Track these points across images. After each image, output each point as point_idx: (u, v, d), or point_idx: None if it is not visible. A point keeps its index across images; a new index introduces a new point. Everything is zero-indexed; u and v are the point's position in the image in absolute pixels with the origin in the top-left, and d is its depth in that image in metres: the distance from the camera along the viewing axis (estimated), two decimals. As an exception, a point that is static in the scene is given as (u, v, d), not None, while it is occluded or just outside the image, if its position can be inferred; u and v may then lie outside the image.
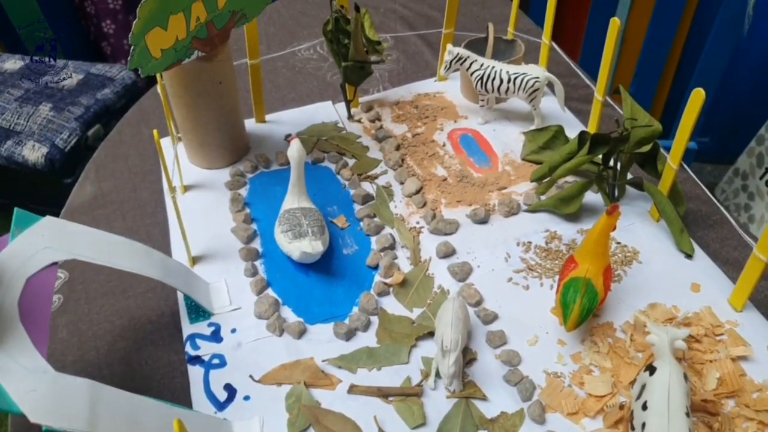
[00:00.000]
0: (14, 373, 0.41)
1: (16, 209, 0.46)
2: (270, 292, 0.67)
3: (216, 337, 0.63)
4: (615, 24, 0.67)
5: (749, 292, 0.59)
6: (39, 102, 1.54)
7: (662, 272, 0.65)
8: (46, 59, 1.70)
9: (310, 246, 0.65)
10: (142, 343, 0.64)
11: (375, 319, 0.64)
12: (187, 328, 0.64)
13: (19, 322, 0.42)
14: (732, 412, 0.53)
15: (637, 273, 0.65)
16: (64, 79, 1.53)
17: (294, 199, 0.69)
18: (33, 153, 1.45)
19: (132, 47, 0.57)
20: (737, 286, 0.60)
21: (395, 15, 1.11)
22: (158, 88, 0.68)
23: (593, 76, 1.75)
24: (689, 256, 0.66)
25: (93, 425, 0.42)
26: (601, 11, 1.58)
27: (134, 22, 0.55)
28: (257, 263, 0.69)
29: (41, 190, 1.45)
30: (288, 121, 0.88)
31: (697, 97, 0.58)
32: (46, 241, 0.47)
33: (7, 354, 0.41)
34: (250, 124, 0.87)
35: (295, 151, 0.67)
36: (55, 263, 0.48)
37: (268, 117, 0.88)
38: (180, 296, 0.66)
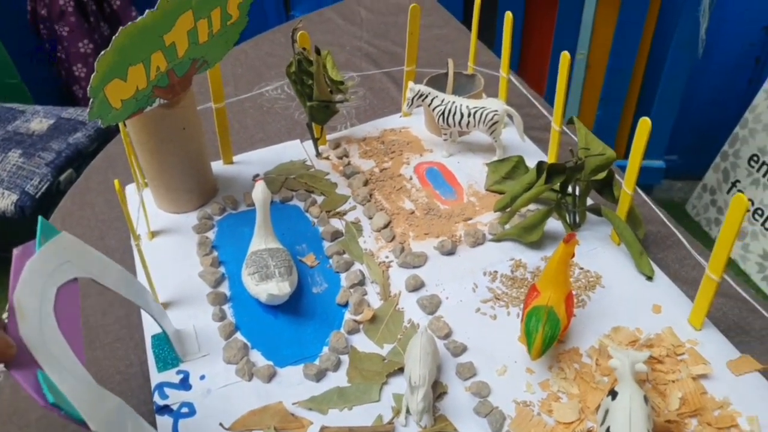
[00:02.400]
0: (69, 383, 0.41)
1: (40, 218, 0.47)
2: (239, 336, 0.66)
3: (185, 384, 0.62)
4: (565, 57, 0.69)
5: (706, 310, 0.60)
6: (8, 149, 1.54)
7: (625, 295, 0.66)
8: (16, 106, 1.70)
9: (277, 288, 0.65)
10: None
11: (346, 358, 0.64)
12: (156, 377, 0.63)
13: (59, 332, 0.42)
14: (695, 431, 0.54)
15: (601, 297, 0.67)
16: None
17: (261, 241, 0.70)
18: (2, 201, 1.44)
19: (91, 99, 0.58)
20: (694, 306, 0.62)
21: (360, 53, 1.13)
22: (121, 135, 0.69)
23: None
24: (650, 278, 0.68)
25: None
26: (564, 43, 1.63)
27: (92, 75, 0.56)
28: (225, 307, 0.69)
29: (12, 237, 1.44)
30: (256, 161, 0.89)
31: (644, 126, 0.60)
32: (67, 255, 0.47)
33: (60, 365, 0.41)
34: (217, 166, 0.87)
35: (259, 192, 0.68)
36: (75, 279, 0.48)
37: (236, 158, 0.89)
38: (149, 345, 0.66)
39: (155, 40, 0.61)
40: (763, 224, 1.64)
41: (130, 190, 0.83)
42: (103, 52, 0.56)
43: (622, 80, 1.67)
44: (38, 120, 1.65)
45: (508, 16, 0.78)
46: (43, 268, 0.43)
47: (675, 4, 1.53)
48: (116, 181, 0.59)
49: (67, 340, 0.43)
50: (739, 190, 1.73)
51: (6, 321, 0.41)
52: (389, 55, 1.11)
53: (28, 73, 1.88)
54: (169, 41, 0.62)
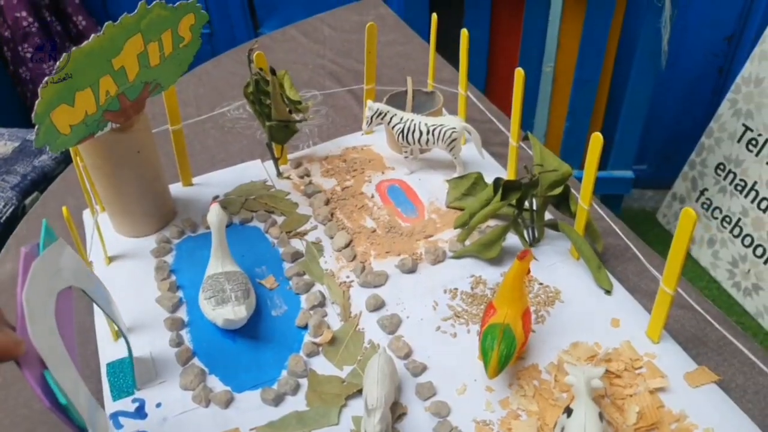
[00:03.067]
0: (71, 388, 0.40)
1: (44, 222, 0.46)
2: (196, 361, 0.65)
3: (140, 413, 0.61)
4: (519, 74, 0.70)
5: (662, 324, 0.61)
6: (-28, 172, 1.50)
7: (584, 310, 0.67)
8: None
9: (233, 312, 0.64)
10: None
11: (305, 381, 0.63)
12: (110, 406, 0.61)
13: (59, 336, 0.42)
14: (653, 446, 0.54)
15: (560, 312, 0.67)
16: None
17: (218, 264, 0.69)
18: (-34, 226, 1.40)
19: (36, 126, 0.56)
20: (651, 319, 0.62)
21: (324, 71, 1.14)
22: (73, 160, 0.67)
23: (529, 117, 1.81)
24: (608, 291, 0.68)
25: None
26: (530, 57, 1.66)
27: (36, 102, 0.55)
28: (183, 332, 0.68)
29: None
30: (216, 182, 0.88)
31: (596, 141, 0.61)
32: (63, 262, 0.47)
33: (64, 369, 0.40)
34: (177, 188, 0.86)
35: (214, 215, 0.67)
36: (70, 287, 0.48)
37: (195, 179, 0.88)
38: (104, 373, 0.64)
39: (103, 64, 0.60)
40: (731, 231, 1.67)
41: (87, 215, 0.81)
42: (46, 79, 0.55)
43: (589, 92, 1.69)
44: (3, 143, 1.62)
45: (464, 33, 0.79)
46: (46, 271, 0.43)
47: (637, 16, 1.57)
48: (64, 208, 0.58)
49: (64, 343, 0.43)
50: (708, 198, 1.76)
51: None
52: (353, 73, 1.12)
53: None
54: (118, 65, 0.62)
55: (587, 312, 0.66)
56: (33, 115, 0.56)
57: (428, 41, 0.89)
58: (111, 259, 0.76)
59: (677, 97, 1.87)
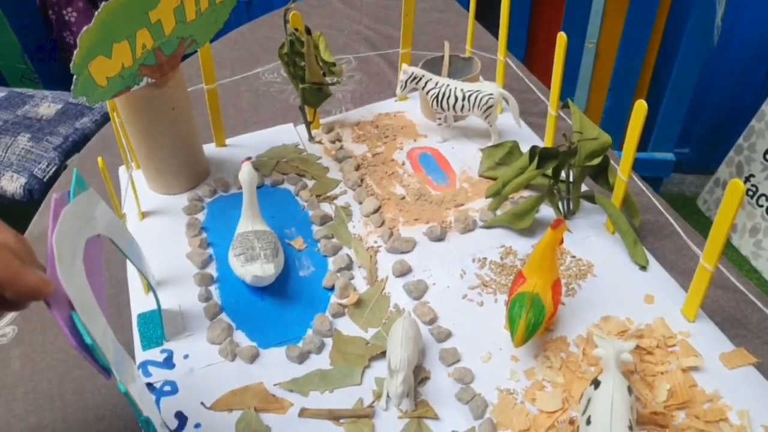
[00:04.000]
0: (97, 330, 0.41)
1: (75, 171, 0.48)
2: (223, 316, 0.66)
3: (168, 363, 0.62)
4: (562, 38, 0.67)
5: (699, 302, 0.58)
6: (17, 133, 1.55)
7: (616, 285, 0.65)
8: (26, 91, 1.71)
9: (261, 269, 0.64)
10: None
11: (329, 341, 0.63)
12: (140, 355, 0.63)
13: (86, 281, 0.43)
14: (682, 424, 0.52)
15: (592, 286, 0.65)
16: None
17: (248, 223, 0.69)
18: (11, 184, 1.45)
19: (75, 76, 0.57)
20: (688, 297, 0.60)
21: (359, 37, 1.12)
22: (110, 115, 0.68)
23: (568, 94, 1.76)
24: (643, 267, 0.66)
25: (141, 403, 0.43)
26: (573, 32, 1.60)
27: (75, 52, 0.55)
28: (212, 288, 0.69)
29: (21, 220, 1.45)
30: (249, 144, 0.88)
31: (640, 109, 0.58)
32: (94, 210, 0.48)
33: (90, 311, 0.42)
34: (210, 148, 0.87)
35: (245, 174, 0.67)
36: (98, 235, 0.49)
37: (228, 141, 0.88)
38: (135, 323, 0.66)
39: (139, 16, 0.60)
40: (776, 220, 1.60)
41: (123, 171, 0.83)
42: (85, 28, 0.55)
43: (632, 69, 1.63)
44: (47, 105, 1.67)
45: (505, -4, 0.76)
46: (75, 218, 0.44)
47: (689, -10, 1.49)
48: (100, 159, 0.59)
49: (92, 290, 0.44)
50: (754, 185, 1.69)
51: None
52: (388, 39, 1.10)
53: (37, 59, 1.89)
54: (154, 18, 0.61)
55: (620, 287, 0.64)
56: (71, 64, 0.56)
57: (467, 9, 0.87)
58: (144, 215, 0.77)
59: (727, 78, 1.79)
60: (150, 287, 0.59)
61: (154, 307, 0.64)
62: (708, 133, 1.92)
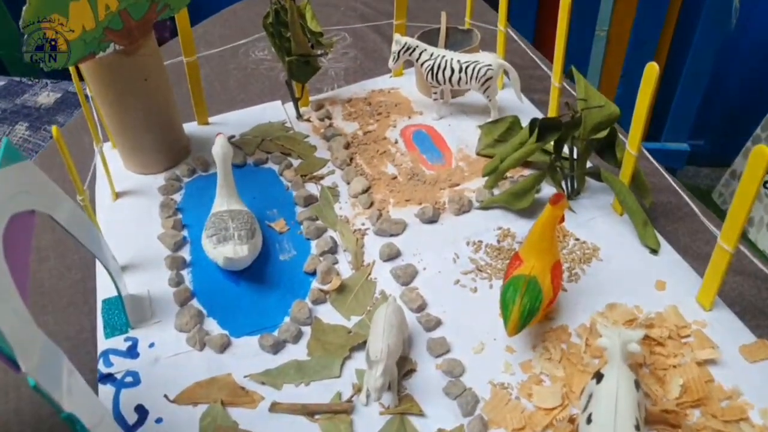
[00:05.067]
0: (5, 314, 0.36)
1: (6, 140, 0.42)
2: (194, 302, 0.61)
3: (132, 352, 0.57)
4: (565, 2, 0.61)
5: (717, 287, 0.52)
6: (15, 121, 1.52)
7: (624, 269, 0.59)
8: (26, 79, 1.68)
9: (234, 251, 0.59)
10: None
11: (308, 330, 0.58)
12: (103, 344, 0.58)
13: (3, 259, 0.38)
14: (697, 423, 0.46)
15: (597, 271, 0.59)
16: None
17: (223, 202, 0.64)
18: (4, 172, 1.42)
19: (25, 35, 0.52)
20: (704, 282, 0.54)
21: (355, 13, 1.06)
22: (74, 84, 0.63)
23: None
24: (654, 251, 0.60)
25: (69, 397, 0.38)
26: (583, 17, 1.53)
27: (24, 8, 0.50)
28: (184, 272, 0.64)
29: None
30: (233, 122, 0.83)
31: (651, 72, 0.52)
32: (27, 185, 0.43)
33: (5, 299, 0.37)
34: (192, 126, 0.82)
35: (218, 147, 0.62)
36: (32, 211, 0.44)
37: (212, 119, 0.83)
38: (99, 308, 0.61)
39: (100, -28, 0.55)
40: (797, 213, 1.53)
41: (106, 148, 0.78)
42: (36, -19, 0.50)
43: (645, 54, 1.56)
44: (46, 93, 1.64)
45: (505, -41, 0.70)
46: None
47: (705, -29, 1.42)
48: (54, 128, 0.54)
49: (11, 270, 0.39)
50: (771, 177, 1.62)
51: None
52: (386, 15, 1.04)
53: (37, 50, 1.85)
54: (117, -25, 0.56)
55: (628, 272, 0.58)
56: (21, 22, 0.51)
57: None
58: (118, 195, 0.73)
59: (744, 64, 1.71)
60: (107, 270, 0.54)
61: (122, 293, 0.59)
62: (724, 124, 1.84)
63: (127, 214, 0.70)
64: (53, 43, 0.55)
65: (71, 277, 0.67)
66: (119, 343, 0.58)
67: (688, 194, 0.61)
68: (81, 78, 0.66)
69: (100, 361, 0.56)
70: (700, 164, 1.98)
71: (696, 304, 0.55)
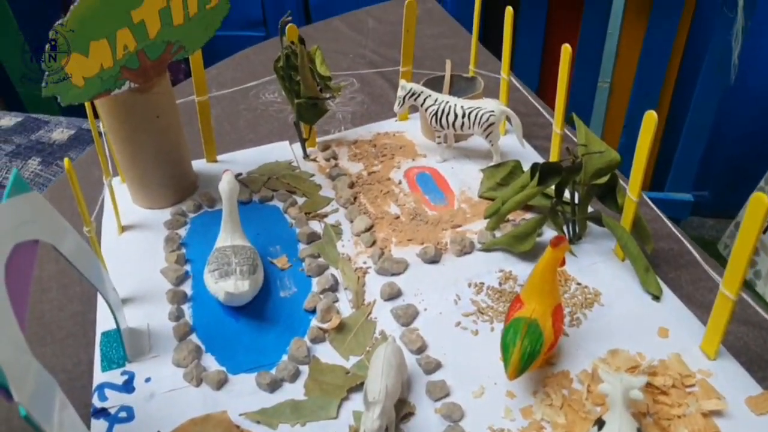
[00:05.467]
0: (3, 342, 0.36)
1: (15, 171, 0.43)
2: (193, 337, 0.61)
3: (128, 387, 0.57)
4: (567, 50, 0.63)
5: (721, 335, 0.52)
6: (29, 156, 1.55)
7: (626, 315, 0.58)
8: (42, 116, 1.72)
9: (235, 286, 0.59)
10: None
11: (305, 369, 0.57)
12: (99, 377, 0.57)
13: (4, 287, 0.38)
14: (702, 476, 0.45)
15: (599, 316, 0.59)
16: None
17: (227, 237, 0.64)
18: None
19: (46, 73, 0.54)
20: (707, 330, 0.53)
21: (364, 60, 1.09)
22: (88, 120, 0.65)
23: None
24: (656, 297, 0.59)
25: (60, 430, 0.38)
26: (586, 68, 1.56)
27: (47, 46, 0.53)
28: (184, 307, 0.64)
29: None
30: (241, 160, 0.84)
31: (650, 119, 0.54)
32: (33, 214, 0.44)
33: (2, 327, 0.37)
34: (200, 164, 0.83)
35: (226, 183, 0.63)
36: (36, 241, 0.44)
37: (221, 157, 0.85)
38: (98, 341, 0.61)
39: (120, 14, 0.57)
40: (802, 265, 1.52)
41: (115, 183, 0.79)
42: (60, 21, 0.52)
43: (647, 106, 1.57)
44: (60, 130, 1.67)
45: (508, 11, 0.73)
46: (4, 220, 0.40)
47: (705, 26, 1.46)
48: (66, 160, 0.55)
49: (11, 298, 0.39)
50: (777, 230, 1.61)
51: None
52: (392, 62, 1.07)
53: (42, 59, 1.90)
54: (137, 18, 0.59)
55: (630, 318, 0.58)
56: (42, 59, 0.53)
57: (479, 39, 0.84)
58: (124, 229, 0.73)
59: (746, 117, 1.73)
60: (107, 303, 0.54)
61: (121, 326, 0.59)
62: (727, 175, 1.86)
63: (131, 247, 0.71)
64: (71, 80, 0.57)
65: (72, 309, 0.67)
66: (115, 377, 0.57)
67: (690, 241, 0.61)
68: (95, 114, 0.68)
69: (95, 394, 0.56)
70: (705, 215, 1.98)
71: (700, 353, 0.54)
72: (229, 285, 0.59)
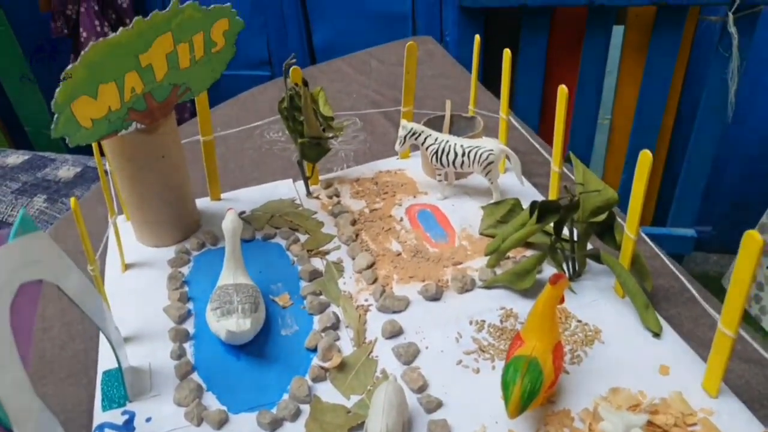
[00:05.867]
0: (5, 382, 0.37)
1: (23, 211, 0.44)
2: (194, 376, 0.61)
3: (128, 426, 0.56)
4: (563, 91, 0.65)
5: (722, 373, 0.52)
6: (34, 194, 1.57)
7: (627, 353, 0.58)
8: (49, 154, 1.75)
9: (236, 325, 0.60)
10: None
11: (306, 408, 0.57)
12: (99, 416, 0.57)
13: (9, 327, 0.39)
14: None
15: (599, 354, 0.58)
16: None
17: (229, 275, 0.65)
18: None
19: (56, 115, 0.56)
20: (708, 368, 0.53)
21: (367, 99, 1.12)
22: (95, 159, 0.66)
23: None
24: (656, 334, 0.59)
25: None
26: (586, 106, 1.59)
27: (57, 89, 0.54)
28: (186, 345, 0.64)
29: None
30: (245, 198, 0.85)
31: (645, 159, 0.55)
32: (39, 254, 0.45)
33: (6, 365, 0.38)
34: (204, 202, 0.84)
35: (229, 222, 0.64)
36: (40, 281, 0.45)
37: (225, 195, 0.86)
38: (99, 380, 0.61)
39: (129, 59, 0.59)
40: (808, 301, 1.51)
41: (120, 221, 0.80)
42: (70, 66, 0.55)
43: (648, 142, 1.60)
44: (66, 168, 1.70)
45: (506, 53, 0.75)
46: (11, 260, 0.41)
47: (702, 64, 1.49)
48: (73, 199, 0.56)
49: (15, 337, 0.40)
50: (781, 265, 1.61)
51: None
52: (395, 102, 1.09)
53: (37, 59, 1.93)
54: (145, 62, 0.61)
55: (631, 355, 0.58)
56: (53, 102, 0.55)
57: (479, 79, 0.86)
58: (128, 267, 0.74)
59: (746, 154, 1.75)
60: (109, 342, 0.55)
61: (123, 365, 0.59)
62: (730, 211, 1.86)
63: (135, 285, 0.72)
64: (80, 121, 0.59)
65: (74, 347, 0.67)
66: (116, 416, 0.57)
67: (689, 278, 0.62)
68: (102, 153, 0.70)
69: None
70: (709, 250, 1.98)
71: (702, 391, 0.54)
72: (230, 323, 0.60)
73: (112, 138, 0.65)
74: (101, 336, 0.66)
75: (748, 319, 1.73)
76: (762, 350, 0.55)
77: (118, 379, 0.60)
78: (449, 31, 1.60)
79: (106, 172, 0.72)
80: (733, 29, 1.34)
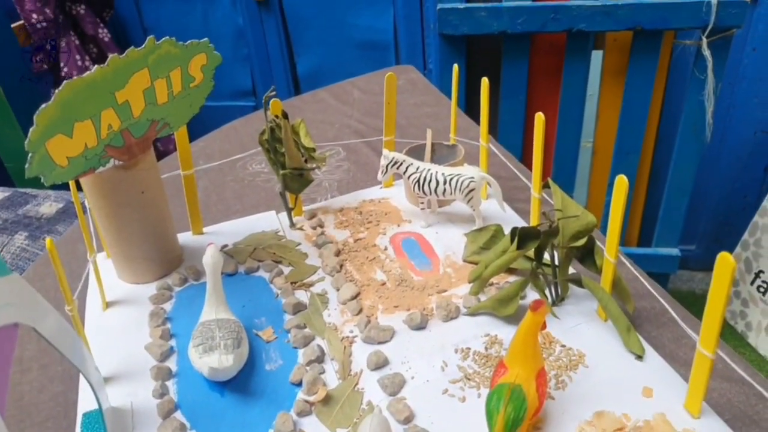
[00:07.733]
0: None
1: None
2: (178, 415, 0.60)
3: (108, 469, 0.55)
4: (540, 118, 0.66)
5: (702, 394, 0.52)
6: (15, 231, 1.55)
7: (611, 376, 0.58)
8: (30, 190, 1.74)
9: (219, 361, 0.59)
10: None
11: (291, 443, 0.56)
12: (78, 460, 0.56)
13: None
14: None
15: (584, 378, 0.58)
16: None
17: (211, 311, 0.65)
18: (0, 281, 1.42)
19: (30, 154, 0.56)
20: (689, 389, 0.53)
21: (350, 129, 1.13)
22: (72, 196, 0.66)
23: (568, 192, 1.77)
24: (639, 357, 0.59)
25: None
26: (568, 130, 1.61)
27: (31, 129, 0.54)
28: (169, 383, 0.63)
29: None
30: (227, 231, 0.85)
31: (621, 184, 0.55)
32: (13, 297, 0.43)
33: None
34: (187, 236, 0.84)
35: (209, 257, 0.64)
36: (16, 324, 0.44)
37: (207, 229, 0.86)
38: (79, 422, 0.59)
39: (105, 96, 0.60)
40: (794, 316, 1.52)
41: (101, 258, 0.80)
42: (44, 105, 0.55)
43: (630, 165, 1.63)
44: (48, 204, 1.68)
45: (484, 81, 0.76)
46: None
47: (679, 87, 1.52)
48: (48, 240, 0.56)
49: None
50: (764, 281, 1.63)
51: None
52: (378, 131, 1.10)
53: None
54: (121, 99, 0.61)
55: (615, 379, 0.58)
56: (26, 142, 0.55)
57: (461, 108, 0.87)
58: (108, 305, 0.73)
59: (726, 174, 1.78)
60: (89, 384, 0.54)
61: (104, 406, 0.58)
62: (713, 229, 1.89)
63: (116, 323, 0.71)
64: (55, 160, 0.59)
65: (53, 389, 0.66)
66: (96, 459, 0.56)
67: (668, 300, 0.62)
68: (80, 189, 0.70)
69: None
70: (694, 268, 1.99)
71: (684, 412, 0.54)
72: (213, 360, 0.59)
73: (89, 175, 0.65)
74: (81, 377, 0.64)
75: (735, 336, 1.73)
76: (740, 369, 0.55)
77: (99, 421, 0.58)
78: (432, 59, 1.62)
79: (84, 210, 0.72)
80: (707, 52, 1.37)
